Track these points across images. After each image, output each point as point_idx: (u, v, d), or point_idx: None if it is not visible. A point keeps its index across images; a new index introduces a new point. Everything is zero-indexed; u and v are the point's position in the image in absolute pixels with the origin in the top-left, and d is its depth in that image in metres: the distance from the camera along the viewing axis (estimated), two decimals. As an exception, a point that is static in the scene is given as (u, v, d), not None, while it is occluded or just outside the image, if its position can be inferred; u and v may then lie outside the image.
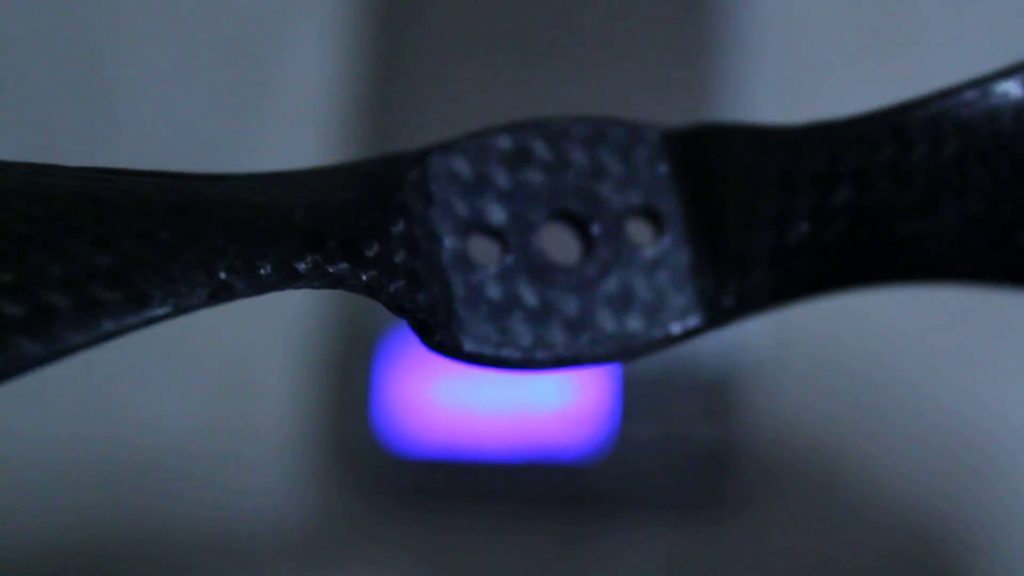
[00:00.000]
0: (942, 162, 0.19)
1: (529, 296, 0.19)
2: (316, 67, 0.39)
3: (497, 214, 0.20)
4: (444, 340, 0.19)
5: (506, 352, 0.19)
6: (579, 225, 0.20)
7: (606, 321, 0.20)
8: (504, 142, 0.20)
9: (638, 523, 0.36)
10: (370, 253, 0.18)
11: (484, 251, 0.21)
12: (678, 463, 0.35)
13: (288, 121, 0.38)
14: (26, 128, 0.39)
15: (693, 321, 0.20)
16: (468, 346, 0.19)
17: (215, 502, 0.36)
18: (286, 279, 0.18)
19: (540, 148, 0.20)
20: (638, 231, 0.23)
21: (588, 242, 0.20)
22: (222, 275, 0.17)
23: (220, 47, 0.39)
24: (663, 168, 0.20)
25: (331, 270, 0.18)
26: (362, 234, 0.18)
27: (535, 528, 0.36)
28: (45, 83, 0.39)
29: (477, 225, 0.19)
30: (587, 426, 0.35)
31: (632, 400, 0.35)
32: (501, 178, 0.20)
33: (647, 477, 0.35)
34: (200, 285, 0.17)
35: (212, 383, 0.37)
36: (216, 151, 0.38)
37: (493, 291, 0.19)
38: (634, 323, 0.20)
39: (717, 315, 0.20)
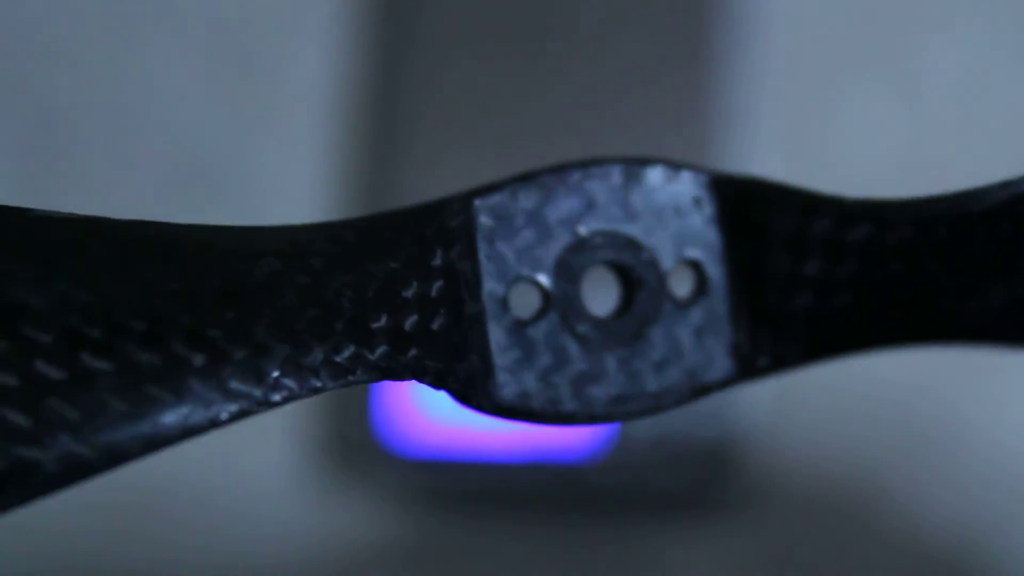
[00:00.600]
0: (994, 248, 0.19)
1: (570, 349, 0.19)
2: (319, 68, 0.39)
3: (542, 261, 0.19)
4: (482, 403, 0.18)
5: (539, 406, 0.19)
6: (622, 274, 0.19)
7: (646, 378, 0.19)
8: (550, 182, 0.19)
9: (638, 523, 0.36)
10: (410, 327, 0.18)
11: (524, 302, 0.20)
12: (678, 463, 0.35)
13: (292, 121, 0.38)
14: (34, 130, 0.39)
15: (727, 377, 0.19)
16: (505, 401, 0.19)
17: (215, 503, 0.36)
18: (335, 377, 0.18)
19: (591, 190, 0.19)
20: (679, 283, 0.22)
21: (630, 292, 0.19)
22: (274, 375, 0.17)
23: (225, 49, 0.39)
24: (711, 220, 0.19)
25: (372, 359, 0.18)
26: (405, 306, 0.18)
27: (535, 528, 0.36)
28: (53, 85, 0.39)
29: (520, 274, 0.19)
30: (588, 426, 0.35)
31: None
32: (549, 222, 0.19)
33: (647, 477, 0.35)
34: (249, 390, 0.17)
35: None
36: (220, 151, 0.38)
37: (532, 342, 0.19)
38: (671, 379, 0.19)
39: (750, 372, 0.19)
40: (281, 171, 0.38)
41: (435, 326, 0.18)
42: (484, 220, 0.19)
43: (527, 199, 0.19)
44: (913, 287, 0.19)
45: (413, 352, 0.18)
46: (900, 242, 0.19)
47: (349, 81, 0.38)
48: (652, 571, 0.35)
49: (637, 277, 0.19)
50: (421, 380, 0.18)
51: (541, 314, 0.19)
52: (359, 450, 0.36)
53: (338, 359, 0.17)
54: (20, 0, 0.39)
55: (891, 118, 0.37)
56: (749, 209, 0.19)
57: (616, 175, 0.19)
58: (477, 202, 0.19)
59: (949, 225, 0.19)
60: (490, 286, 0.19)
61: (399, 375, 0.18)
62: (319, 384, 0.17)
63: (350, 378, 0.18)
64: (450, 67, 0.37)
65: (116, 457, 0.16)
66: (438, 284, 0.18)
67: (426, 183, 0.36)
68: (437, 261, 0.18)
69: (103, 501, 0.36)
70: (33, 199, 0.38)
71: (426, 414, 0.35)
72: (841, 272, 0.19)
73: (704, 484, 0.35)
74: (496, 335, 0.19)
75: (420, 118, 0.37)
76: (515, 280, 0.19)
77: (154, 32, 0.39)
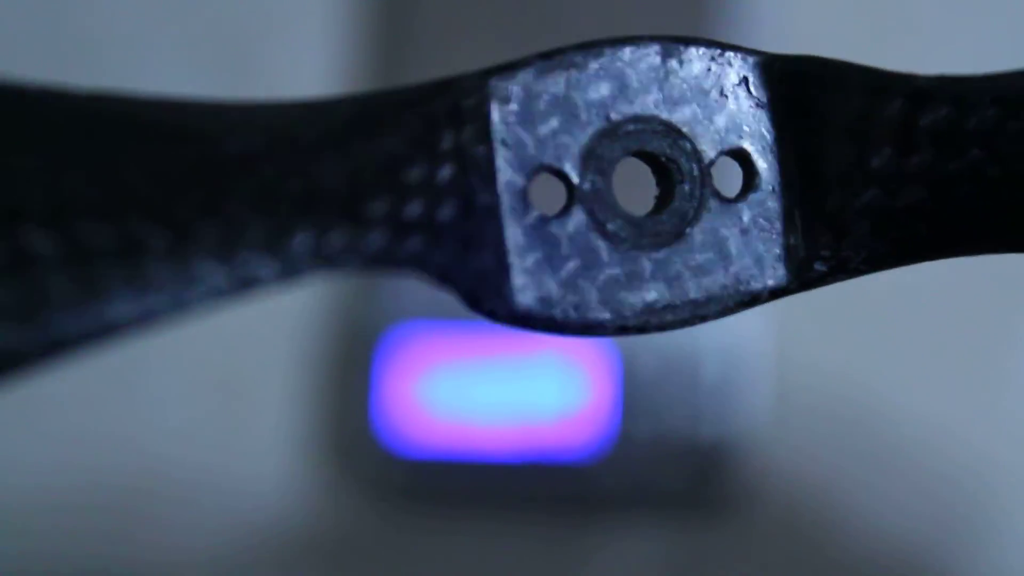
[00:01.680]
0: None
1: (598, 249, 0.17)
2: (315, 63, 0.39)
3: (568, 150, 0.17)
4: (496, 307, 0.16)
5: (562, 313, 0.17)
6: (659, 166, 0.17)
7: (686, 283, 0.17)
8: (580, 61, 0.17)
9: (638, 523, 0.36)
10: (413, 215, 0.16)
11: (547, 195, 0.18)
12: (678, 463, 0.35)
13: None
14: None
15: (779, 284, 0.17)
16: (521, 306, 0.17)
17: (215, 503, 0.36)
18: (321, 263, 0.15)
19: (624, 71, 0.17)
20: (724, 176, 0.20)
21: (668, 186, 0.17)
22: (248, 258, 0.15)
23: (220, 44, 0.39)
24: (761, 105, 0.18)
25: (366, 246, 0.16)
26: (407, 191, 0.16)
27: (535, 528, 0.36)
28: (42, 79, 0.39)
29: (542, 164, 0.17)
30: (587, 426, 0.35)
31: (632, 400, 0.35)
32: (577, 106, 0.17)
33: (647, 477, 0.35)
34: (218, 275, 0.15)
35: (212, 384, 0.37)
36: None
37: (555, 242, 0.17)
38: (714, 285, 0.17)
39: (806, 279, 0.17)
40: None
41: (442, 216, 0.16)
42: (501, 101, 0.17)
43: (552, 80, 0.17)
44: (996, 180, 0.17)
45: (415, 241, 0.16)
46: (982, 125, 0.17)
47: (349, 81, 0.38)
48: (652, 571, 0.35)
49: (676, 169, 0.17)
50: (423, 275, 0.16)
51: (566, 210, 0.17)
52: (359, 450, 0.36)
53: (325, 242, 0.15)
54: (19, 3, 0.39)
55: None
56: (805, 91, 0.17)
57: (653, 55, 0.17)
58: (493, 81, 0.17)
59: None
60: (508, 176, 0.17)
61: (397, 267, 0.16)
62: (302, 269, 0.15)
63: (338, 265, 0.16)
64: (451, 67, 0.37)
65: (56, 346, 0.14)
66: (446, 170, 0.16)
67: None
68: (446, 144, 0.17)
69: (100, 502, 0.36)
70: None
71: (426, 414, 0.35)
72: (913, 163, 0.17)
73: (704, 484, 0.35)
74: (513, 232, 0.17)
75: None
76: (537, 170, 0.17)
77: (153, 34, 0.39)
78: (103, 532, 0.36)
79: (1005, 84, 0.17)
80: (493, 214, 0.17)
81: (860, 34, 0.38)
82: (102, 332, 0.15)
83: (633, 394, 0.35)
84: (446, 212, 0.16)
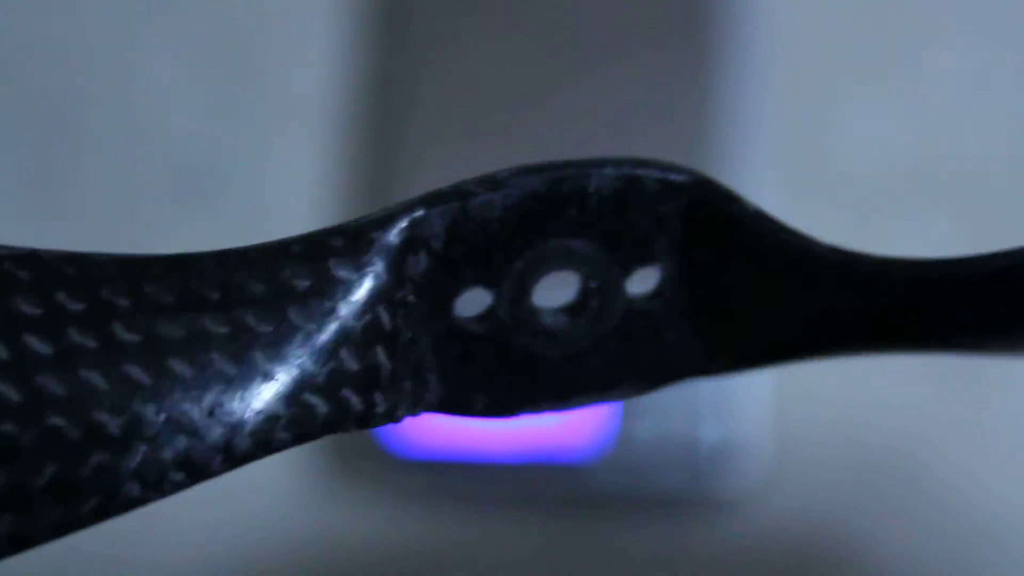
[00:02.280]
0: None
1: (515, 352, 0.17)
2: (318, 67, 0.39)
3: (488, 270, 0.17)
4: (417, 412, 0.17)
5: (486, 408, 0.17)
6: (577, 275, 0.18)
7: (592, 379, 0.18)
8: (474, 190, 0.17)
9: (638, 523, 0.36)
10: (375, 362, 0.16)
11: (470, 304, 0.18)
12: (678, 463, 0.35)
13: (290, 120, 0.38)
14: (33, 134, 0.39)
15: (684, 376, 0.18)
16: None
17: (214, 502, 0.36)
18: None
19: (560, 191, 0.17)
20: (636, 284, 0.20)
21: (584, 295, 0.18)
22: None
23: (223, 47, 0.39)
24: (676, 229, 0.17)
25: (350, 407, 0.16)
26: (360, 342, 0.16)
27: (535, 528, 0.36)
28: (51, 89, 0.39)
29: (468, 280, 0.17)
30: (587, 426, 0.35)
31: (632, 400, 0.35)
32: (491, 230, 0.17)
33: (647, 477, 0.35)
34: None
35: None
36: (220, 153, 0.38)
37: (482, 349, 0.17)
38: (624, 381, 0.18)
39: (707, 374, 0.18)
40: (282, 173, 0.38)
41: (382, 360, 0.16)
42: (394, 240, 0.16)
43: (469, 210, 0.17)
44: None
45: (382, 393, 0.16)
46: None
47: (350, 82, 0.38)
48: (652, 571, 0.35)
49: (593, 281, 0.18)
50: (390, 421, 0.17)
51: (490, 317, 0.17)
52: (359, 450, 0.36)
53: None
54: (19, 3, 0.39)
55: (891, 122, 0.37)
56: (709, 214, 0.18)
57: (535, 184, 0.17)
58: (376, 234, 0.16)
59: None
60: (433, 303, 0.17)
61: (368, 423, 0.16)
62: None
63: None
64: (451, 67, 0.37)
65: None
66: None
67: (428, 183, 0.36)
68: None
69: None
70: (32, 203, 0.38)
71: (426, 414, 0.35)
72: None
73: (704, 484, 0.35)
74: (443, 346, 0.17)
75: (422, 119, 0.37)
76: (464, 285, 0.17)
77: (154, 35, 0.39)
78: (103, 532, 0.36)
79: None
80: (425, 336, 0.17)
81: (860, 33, 0.38)
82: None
83: (633, 394, 0.35)
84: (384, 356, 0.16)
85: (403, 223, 0.16)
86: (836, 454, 0.36)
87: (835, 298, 0.17)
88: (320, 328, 0.16)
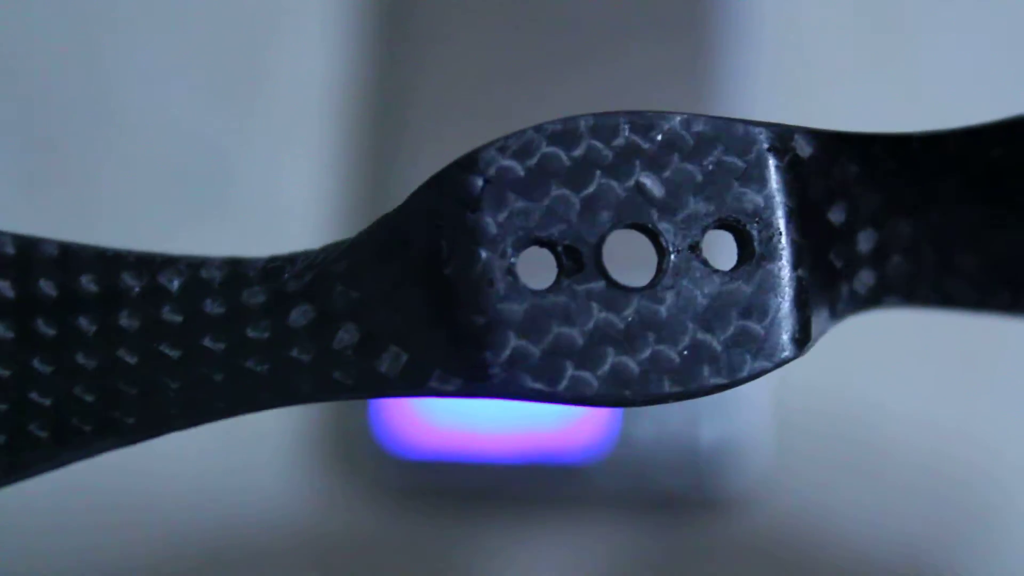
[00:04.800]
0: None
1: (591, 324, 0.17)
2: (315, 63, 0.39)
3: (555, 223, 0.17)
4: (497, 384, 0.16)
5: (550, 386, 0.16)
6: (652, 237, 0.17)
7: (677, 359, 0.17)
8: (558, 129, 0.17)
9: (638, 523, 0.36)
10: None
11: (534, 270, 0.17)
12: (678, 463, 0.35)
13: (286, 116, 0.38)
14: (27, 131, 0.38)
15: (782, 357, 0.17)
16: (522, 383, 0.16)
17: (215, 503, 0.36)
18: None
19: (613, 136, 0.17)
20: (721, 249, 0.19)
21: (661, 259, 0.17)
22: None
23: (219, 43, 0.39)
24: (773, 175, 0.17)
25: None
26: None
27: (535, 528, 0.36)
28: (43, 79, 0.39)
29: (527, 238, 0.17)
30: (588, 426, 0.35)
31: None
32: (560, 178, 0.17)
33: (647, 477, 0.35)
34: None
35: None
36: (214, 146, 0.38)
37: (546, 317, 0.16)
38: (709, 367, 0.17)
39: (803, 350, 0.17)
40: (283, 171, 0.38)
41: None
42: (490, 171, 0.17)
43: (537, 149, 0.17)
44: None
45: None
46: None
47: (348, 78, 0.38)
48: (652, 571, 0.35)
49: (669, 240, 0.17)
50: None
51: (558, 283, 0.17)
52: (358, 450, 0.36)
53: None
54: (20, 4, 0.39)
55: (890, 116, 0.37)
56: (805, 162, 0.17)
57: (623, 128, 0.17)
58: (483, 153, 0.17)
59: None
60: (491, 258, 0.17)
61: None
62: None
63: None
64: (450, 62, 0.37)
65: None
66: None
67: (423, 177, 0.36)
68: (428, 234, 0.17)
69: (100, 502, 0.36)
70: (27, 201, 0.38)
71: (425, 414, 0.35)
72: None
73: (704, 484, 0.35)
74: (501, 307, 0.17)
75: (421, 114, 0.37)
76: (522, 243, 0.17)
77: (149, 31, 0.39)
78: (103, 532, 0.36)
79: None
80: (479, 288, 0.17)
81: (858, 28, 0.38)
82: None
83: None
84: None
85: None
86: (836, 454, 0.36)
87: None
88: None
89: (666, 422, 0.35)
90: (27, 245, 0.17)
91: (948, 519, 0.35)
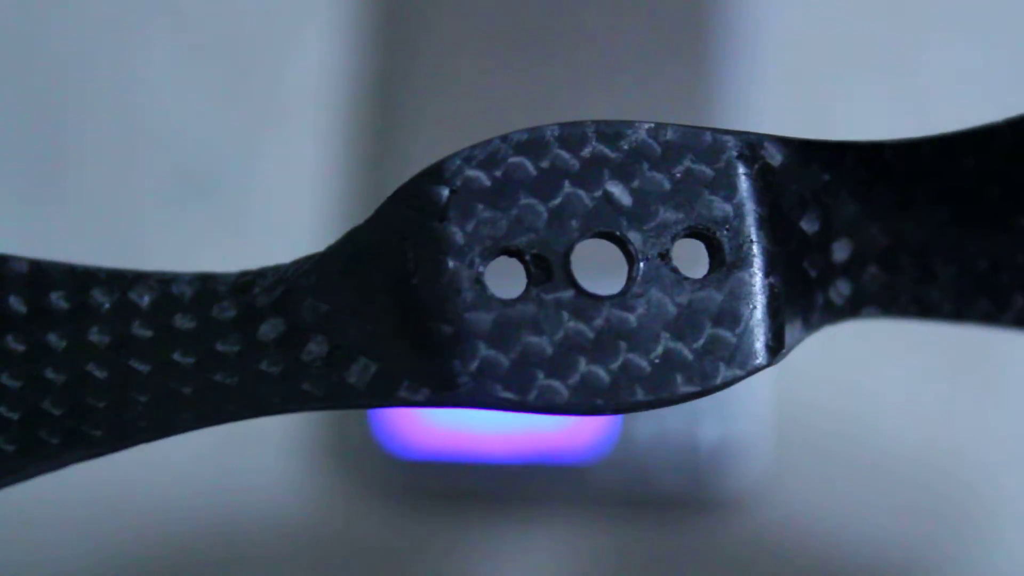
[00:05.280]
0: None
1: (561, 332, 0.16)
2: (319, 67, 0.39)
3: (523, 232, 0.17)
4: (469, 396, 0.17)
5: (520, 396, 0.16)
6: (621, 246, 0.17)
7: (649, 369, 0.17)
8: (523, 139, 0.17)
9: (638, 523, 0.36)
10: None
11: (503, 281, 0.17)
12: (678, 463, 0.35)
13: (290, 120, 0.38)
14: (31, 133, 0.38)
15: (754, 364, 0.17)
16: (495, 395, 0.16)
17: (216, 502, 0.36)
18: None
19: (581, 147, 0.17)
20: (690, 256, 0.19)
21: (630, 267, 0.17)
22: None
23: (224, 48, 0.39)
24: (743, 183, 0.17)
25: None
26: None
27: (535, 528, 0.36)
28: (51, 84, 0.39)
29: (495, 247, 0.16)
30: (588, 426, 0.35)
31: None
32: (529, 188, 0.17)
33: (647, 477, 0.35)
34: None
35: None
36: (219, 150, 0.38)
37: (515, 327, 0.16)
38: (681, 375, 0.17)
39: (776, 358, 0.17)
40: (281, 172, 0.38)
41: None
42: (461, 181, 0.17)
43: (504, 160, 0.17)
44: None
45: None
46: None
47: (350, 80, 0.38)
48: (652, 571, 0.35)
49: (638, 248, 0.17)
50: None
51: (528, 292, 0.17)
52: (358, 450, 0.36)
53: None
54: (16, 3, 0.39)
55: (892, 122, 0.37)
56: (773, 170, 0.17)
57: (590, 134, 0.17)
58: (450, 162, 0.17)
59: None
60: (461, 268, 0.17)
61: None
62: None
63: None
64: (451, 65, 0.37)
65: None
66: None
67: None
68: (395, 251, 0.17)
69: (98, 501, 0.36)
70: (31, 203, 0.38)
71: (425, 415, 0.35)
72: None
73: (704, 484, 0.35)
74: (472, 319, 0.17)
75: (422, 117, 0.37)
76: (491, 252, 0.17)
77: (152, 33, 0.39)
78: (102, 531, 0.36)
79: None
80: (450, 302, 0.17)
81: (859, 36, 0.38)
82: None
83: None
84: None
85: None
86: (836, 453, 0.36)
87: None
88: None
89: (666, 422, 0.35)
90: None
91: (948, 519, 0.35)
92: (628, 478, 0.35)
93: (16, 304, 0.17)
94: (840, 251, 0.18)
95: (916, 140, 0.18)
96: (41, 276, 0.17)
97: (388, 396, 0.17)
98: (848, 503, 0.35)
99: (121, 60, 0.39)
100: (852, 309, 0.18)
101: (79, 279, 0.17)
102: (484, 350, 0.16)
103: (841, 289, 0.18)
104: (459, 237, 0.17)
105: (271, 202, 0.38)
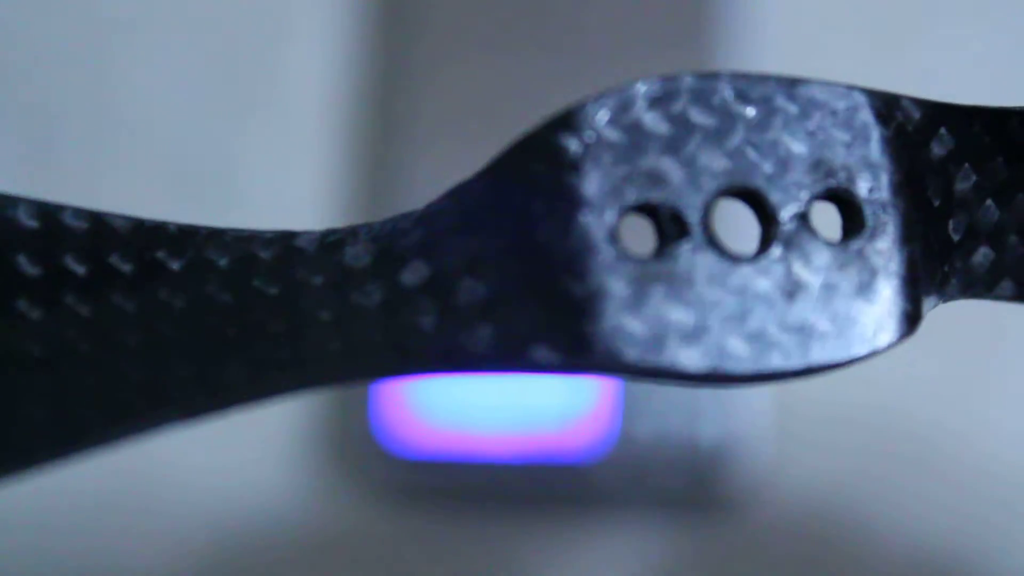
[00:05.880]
0: None
1: (696, 295, 0.16)
2: (317, 66, 0.39)
3: (658, 188, 0.16)
4: (600, 359, 0.15)
5: (653, 361, 0.15)
6: (757, 206, 0.16)
7: (789, 337, 0.16)
8: (655, 90, 0.16)
9: (638, 523, 0.36)
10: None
11: (634, 236, 0.17)
12: (678, 463, 0.35)
13: (290, 120, 0.38)
14: (27, 126, 0.38)
15: (888, 339, 0.16)
16: (626, 356, 0.15)
17: (215, 502, 0.36)
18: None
19: (719, 101, 0.16)
20: (828, 218, 0.18)
21: (766, 230, 0.16)
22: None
23: (221, 45, 0.39)
24: (880, 144, 0.16)
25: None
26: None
27: (535, 528, 0.36)
28: (45, 82, 0.39)
29: (629, 203, 0.16)
30: (588, 426, 0.35)
31: (632, 400, 0.35)
32: (661, 138, 0.16)
33: (647, 477, 0.35)
34: None
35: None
36: (216, 149, 0.38)
37: (651, 288, 0.16)
38: (819, 344, 0.16)
39: (912, 329, 0.16)
40: (284, 174, 0.38)
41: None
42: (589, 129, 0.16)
43: (636, 107, 0.16)
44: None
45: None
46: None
47: (351, 81, 0.38)
48: (652, 571, 0.35)
49: (779, 208, 0.16)
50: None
51: (659, 250, 0.16)
52: (358, 450, 0.36)
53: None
54: (14, 3, 0.39)
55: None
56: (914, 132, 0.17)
57: (725, 89, 0.16)
58: (583, 109, 0.16)
59: None
60: (594, 221, 0.16)
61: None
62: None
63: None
64: (449, 62, 0.37)
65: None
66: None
67: (429, 182, 0.36)
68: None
69: (97, 502, 0.36)
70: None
71: (425, 414, 0.35)
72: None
73: (704, 484, 0.35)
74: (603, 278, 0.16)
75: (420, 115, 0.37)
76: (629, 209, 0.16)
77: (144, 30, 0.39)
78: (102, 536, 0.36)
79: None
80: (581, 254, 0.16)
81: (862, 30, 0.38)
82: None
83: (633, 394, 0.35)
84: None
85: None
86: (836, 453, 0.36)
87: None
88: None
89: (666, 422, 0.35)
90: (51, 216, 0.16)
91: (949, 521, 0.35)
92: (628, 478, 0.35)
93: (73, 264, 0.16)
94: (986, 215, 0.17)
95: None
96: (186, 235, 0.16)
97: (514, 360, 0.15)
98: (849, 503, 0.36)
99: (120, 60, 0.39)
100: (992, 280, 0.17)
101: (184, 237, 0.16)
102: (619, 311, 0.15)
103: (984, 256, 0.17)
104: (594, 191, 0.16)
105: (273, 204, 0.38)
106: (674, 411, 0.35)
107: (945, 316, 0.36)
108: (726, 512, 0.36)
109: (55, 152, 0.38)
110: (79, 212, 0.16)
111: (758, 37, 0.38)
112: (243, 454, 0.37)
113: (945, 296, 0.17)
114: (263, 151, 0.38)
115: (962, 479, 0.36)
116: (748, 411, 0.35)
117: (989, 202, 0.17)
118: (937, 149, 0.17)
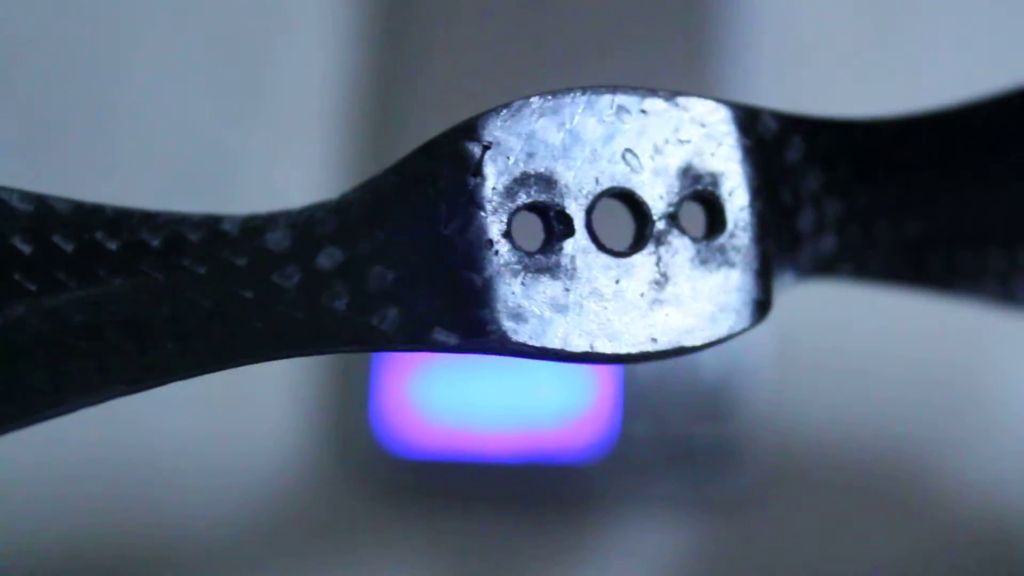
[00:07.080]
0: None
1: (580, 285, 0.18)
2: (315, 63, 0.39)
3: (549, 189, 0.18)
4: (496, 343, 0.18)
5: (541, 343, 0.18)
6: (633, 206, 0.18)
7: (656, 319, 0.18)
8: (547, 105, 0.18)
9: (638, 523, 0.36)
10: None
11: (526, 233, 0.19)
12: (678, 463, 0.35)
13: (288, 117, 0.38)
14: (24, 125, 0.38)
15: (743, 324, 0.19)
16: (518, 339, 0.18)
17: (215, 503, 0.36)
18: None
19: (603, 110, 0.18)
20: (694, 218, 0.20)
21: (640, 228, 0.18)
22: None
23: (221, 43, 0.39)
24: (739, 146, 0.19)
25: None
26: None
27: (535, 528, 0.36)
28: (44, 81, 0.39)
29: (523, 203, 0.18)
30: (588, 426, 0.35)
31: (632, 400, 0.35)
32: (550, 145, 0.18)
33: (647, 477, 0.35)
34: None
35: (212, 384, 0.37)
36: (215, 148, 0.38)
37: (540, 278, 0.18)
38: (680, 324, 0.18)
39: (763, 316, 0.19)
40: (282, 171, 0.38)
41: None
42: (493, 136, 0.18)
43: (531, 117, 0.18)
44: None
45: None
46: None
47: (349, 78, 0.38)
48: (653, 571, 0.35)
49: (650, 207, 0.18)
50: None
51: (547, 245, 0.18)
52: (358, 450, 0.36)
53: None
54: (14, 0, 0.39)
55: (887, 91, 0.37)
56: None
57: (608, 104, 0.18)
58: (485, 119, 0.18)
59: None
60: (491, 222, 0.18)
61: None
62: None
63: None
64: (451, 61, 0.37)
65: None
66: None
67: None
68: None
69: (96, 502, 0.36)
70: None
71: (425, 413, 0.35)
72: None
73: (704, 484, 0.35)
74: (497, 274, 0.18)
75: (423, 115, 0.37)
76: (514, 207, 0.18)
77: (143, 28, 0.39)
78: (101, 532, 0.36)
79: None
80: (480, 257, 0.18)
81: (859, 24, 0.38)
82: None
83: (633, 394, 0.35)
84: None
85: None
86: (836, 453, 0.36)
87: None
88: None
89: (666, 422, 0.35)
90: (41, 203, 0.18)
91: (949, 519, 0.35)
92: (628, 478, 0.35)
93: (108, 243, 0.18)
94: (832, 208, 0.19)
95: (879, 120, 0.20)
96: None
97: (418, 341, 0.17)
98: (848, 504, 0.36)
99: (120, 58, 0.39)
100: (832, 265, 0.20)
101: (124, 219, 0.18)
102: (511, 299, 0.17)
103: (827, 244, 0.20)
104: (491, 192, 0.18)
105: (265, 198, 0.38)
106: (674, 411, 0.35)
107: (943, 312, 0.36)
108: (726, 512, 0.36)
109: (53, 148, 0.38)
110: (25, 195, 0.18)
111: (755, 18, 0.38)
112: (243, 454, 0.37)
113: (794, 283, 0.19)
114: (261, 148, 0.38)
115: (961, 484, 0.36)
116: (748, 412, 0.35)
117: (834, 197, 0.19)
118: (791, 155, 0.19)
